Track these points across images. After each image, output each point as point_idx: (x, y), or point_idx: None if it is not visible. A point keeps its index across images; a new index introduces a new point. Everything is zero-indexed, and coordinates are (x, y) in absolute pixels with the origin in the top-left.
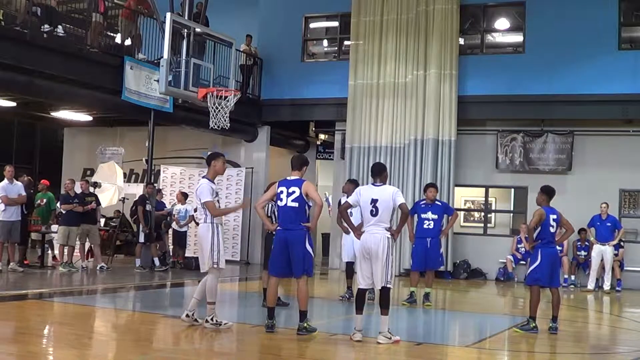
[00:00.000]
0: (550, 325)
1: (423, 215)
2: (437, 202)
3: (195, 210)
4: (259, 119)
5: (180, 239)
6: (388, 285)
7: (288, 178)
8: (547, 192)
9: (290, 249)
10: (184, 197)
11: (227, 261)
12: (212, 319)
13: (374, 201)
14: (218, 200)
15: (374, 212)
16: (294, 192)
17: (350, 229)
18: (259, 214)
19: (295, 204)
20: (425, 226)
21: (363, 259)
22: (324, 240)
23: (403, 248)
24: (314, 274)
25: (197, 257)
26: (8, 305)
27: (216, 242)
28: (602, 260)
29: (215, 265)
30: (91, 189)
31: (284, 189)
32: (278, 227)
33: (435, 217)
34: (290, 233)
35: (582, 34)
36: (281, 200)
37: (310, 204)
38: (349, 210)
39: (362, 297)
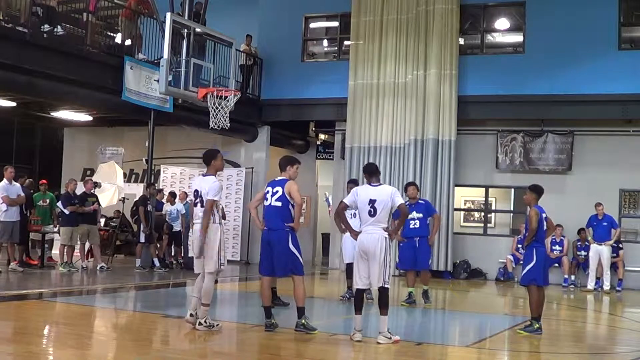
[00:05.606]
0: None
1: (409, 216)
2: (420, 201)
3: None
4: (259, 119)
5: (176, 239)
6: (386, 285)
7: (276, 179)
8: (537, 191)
9: (273, 250)
10: (172, 197)
11: (227, 261)
12: (205, 321)
13: (372, 201)
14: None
15: (372, 212)
16: (277, 191)
17: (347, 230)
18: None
19: (279, 204)
20: (411, 226)
21: (361, 259)
22: (324, 240)
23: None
24: (314, 274)
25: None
26: (8, 305)
27: (223, 242)
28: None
29: (222, 267)
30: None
31: (269, 188)
32: (264, 227)
33: (420, 215)
34: (273, 233)
35: (582, 34)
36: (267, 200)
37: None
38: (352, 212)
39: (361, 297)
